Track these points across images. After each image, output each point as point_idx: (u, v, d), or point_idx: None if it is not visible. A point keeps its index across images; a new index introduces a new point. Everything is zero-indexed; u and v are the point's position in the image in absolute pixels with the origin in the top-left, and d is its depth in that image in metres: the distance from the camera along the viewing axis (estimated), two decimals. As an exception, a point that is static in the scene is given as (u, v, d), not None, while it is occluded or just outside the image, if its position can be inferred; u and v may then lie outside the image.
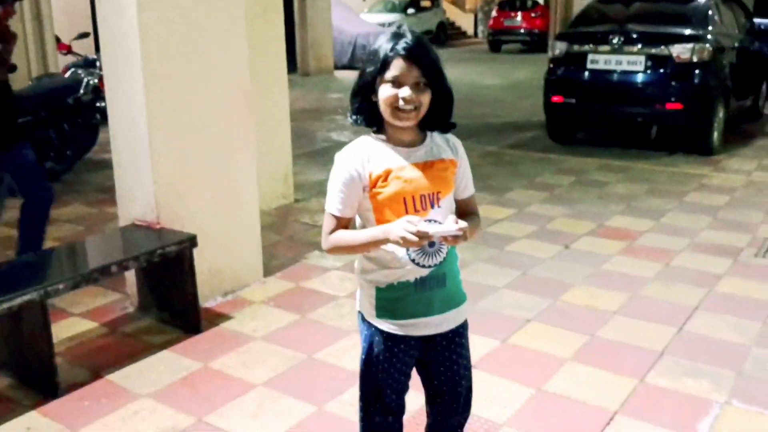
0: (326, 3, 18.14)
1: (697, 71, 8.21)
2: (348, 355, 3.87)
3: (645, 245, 5.60)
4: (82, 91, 7.89)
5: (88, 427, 3.28)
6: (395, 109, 2.09)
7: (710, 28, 8.63)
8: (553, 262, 5.28)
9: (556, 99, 9.04)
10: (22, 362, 3.69)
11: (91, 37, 9.33)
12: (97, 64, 8.19)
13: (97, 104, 7.89)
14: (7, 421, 3.34)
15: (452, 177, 2.24)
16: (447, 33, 28.78)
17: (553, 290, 4.73)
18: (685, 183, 7.42)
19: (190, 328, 4.19)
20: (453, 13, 31.37)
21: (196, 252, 4.18)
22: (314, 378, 3.69)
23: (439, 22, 27.74)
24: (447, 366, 2.35)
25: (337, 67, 18.84)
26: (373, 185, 2.13)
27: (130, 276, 4.49)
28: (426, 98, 2.11)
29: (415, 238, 1.96)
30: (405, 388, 2.39)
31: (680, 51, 8.18)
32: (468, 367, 2.40)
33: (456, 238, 2.01)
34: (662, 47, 8.28)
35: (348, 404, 3.40)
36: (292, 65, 10.66)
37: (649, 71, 8.39)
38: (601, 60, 8.63)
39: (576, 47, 8.87)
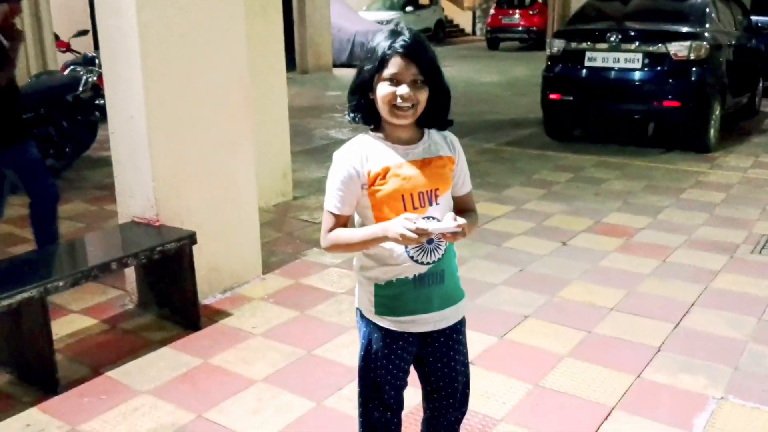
0: (325, 1, 18.14)
1: (694, 69, 8.23)
2: (347, 351, 3.89)
3: (642, 242, 5.63)
4: (81, 88, 7.90)
5: (88, 424, 3.30)
6: (393, 106, 2.10)
7: (707, 25, 8.65)
8: (550, 258, 5.30)
9: (553, 96, 9.06)
10: (22, 359, 3.70)
11: (90, 34, 9.34)
12: (96, 61, 8.19)
13: (96, 102, 7.90)
14: (7, 417, 3.35)
15: (450, 174, 2.25)
16: (445, 30, 28.77)
17: (550, 287, 4.75)
18: (682, 180, 7.45)
19: (190, 324, 4.21)
20: (451, 11, 31.35)
21: (196, 249, 4.20)
22: (313, 374, 3.71)
23: (437, 19, 27.72)
24: (444, 362, 2.36)
25: (335, 65, 18.84)
26: (372, 183, 2.14)
27: (130, 273, 4.51)
28: (423, 96, 2.12)
29: (414, 236, 1.97)
30: (403, 385, 2.40)
31: (677, 48, 8.20)
32: (465, 363, 2.42)
33: (455, 235, 2.03)
34: (660, 45, 8.30)
35: (347, 399, 3.42)
36: (290, 63, 10.68)
37: (646, 69, 8.41)
38: (598, 57, 8.65)
39: (574, 45, 8.88)
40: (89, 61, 8.51)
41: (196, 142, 4.40)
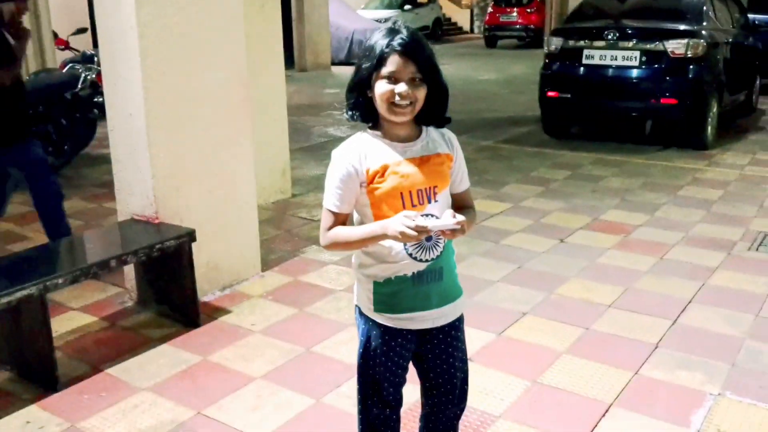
0: (324, -1, 18.17)
1: (691, 66, 8.25)
2: (345, 348, 3.91)
3: (639, 239, 5.64)
4: (79, 86, 7.90)
5: (88, 421, 3.31)
6: (391, 104, 2.10)
7: (705, 23, 8.67)
8: (548, 255, 5.31)
9: (551, 94, 9.07)
10: (21, 356, 3.71)
11: (89, 32, 9.33)
12: (95, 59, 8.19)
13: (95, 99, 7.90)
14: (7, 415, 3.36)
15: (448, 171, 2.25)
16: (443, 29, 28.78)
17: (548, 284, 4.77)
18: (679, 177, 7.46)
19: (189, 321, 4.22)
20: (449, 9, 31.34)
21: (195, 246, 4.21)
22: (312, 371, 3.73)
23: (435, 17, 27.74)
24: (443, 359, 2.37)
25: (334, 63, 18.84)
26: (371, 181, 2.15)
27: (129, 270, 4.52)
28: (421, 93, 2.12)
29: (413, 233, 1.98)
30: (402, 381, 2.41)
31: (675, 46, 8.22)
32: (464, 360, 2.43)
33: (454, 232, 2.04)
34: (657, 43, 8.32)
35: (346, 396, 3.44)
36: (289, 61, 10.69)
37: (643, 66, 8.42)
38: (596, 55, 8.66)
39: (571, 43, 8.90)
40: (88, 59, 8.51)
41: (195, 140, 4.41)
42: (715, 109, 8.70)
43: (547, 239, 5.63)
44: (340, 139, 2.25)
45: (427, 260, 2.21)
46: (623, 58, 8.48)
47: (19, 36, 4.62)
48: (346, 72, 15.33)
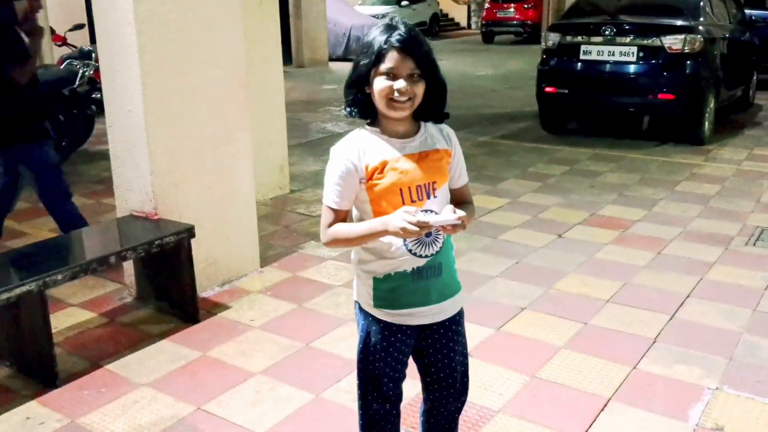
0: (321, -5, 18.15)
1: (688, 62, 8.26)
2: (344, 344, 3.92)
3: (637, 234, 5.66)
4: (77, 82, 7.90)
5: (88, 417, 3.32)
6: (390, 100, 2.11)
7: (702, 19, 8.68)
8: (546, 251, 5.32)
9: (549, 89, 9.08)
10: (21, 352, 3.72)
11: (86, 28, 9.33)
12: (93, 55, 8.19)
13: (93, 95, 7.89)
14: (7, 411, 3.37)
15: (447, 167, 2.26)
16: (440, 24, 28.77)
17: (546, 279, 4.78)
18: (677, 172, 7.48)
19: (189, 317, 4.23)
20: (446, 5, 31.32)
21: (194, 242, 4.22)
22: (312, 366, 3.73)
23: (432, 13, 27.75)
24: (444, 353, 2.38)
25: (331, 59, 18.85)
26: (370, 177, 2.15)
27: (129, 266, 4.52)
28: (420, 89, 2.13)
29: (415, 229, 1.98)
30: (402, 377, 2.42)
31: (672, 42, 8.23)
32: (464, 354, 2.44)
33: (455, 227, 2.04)
34: (654, 38, 8.32)
35: (345, 392, 3.45)
36: (286, 57, 10.66)
37: (641, 62, 8.44)
38: (593, 51, 8.67)
39: (569, 38, 8.90)
40: (86, 55, 8.50)
41: (193, 136, 4.41)
42: (712, 105, 8.72)
43: (545, 234, 5.65)
44: (338, 135, 2.27)
45: (426, 256, 2.21)
46: (620, 53, 8.49)
47: (32, 33, 4.63)
48: (344, 68, 15.35)
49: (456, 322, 2.37)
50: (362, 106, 2.19)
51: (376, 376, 2.36)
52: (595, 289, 4.61)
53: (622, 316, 4.24)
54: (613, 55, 8.54)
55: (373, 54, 2.10)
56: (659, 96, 8.38)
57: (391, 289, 2.25)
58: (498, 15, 24.65)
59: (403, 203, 2.13)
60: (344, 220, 2.22)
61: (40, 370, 3.62)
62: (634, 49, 8.42)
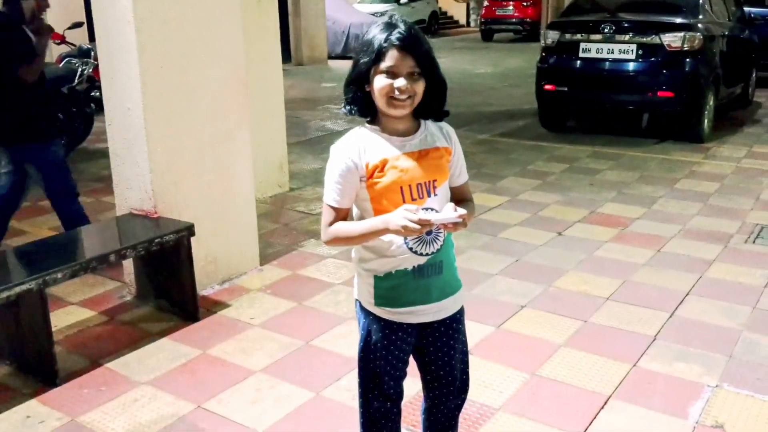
0: (320, -7, 18.14)
1: (687, 59, 8.26)
2: (344, 342, 3.92)
3: (637, 232, 5.66)
4: (76, 80, 7.89)
5: (88, 415, 3.32)
6: (390, 98, 2.11)
7: (701, 16, 8.67)
8: (546, 248, 5.33)
9: (548, 87, 9.07)
10: (21, 351, 3.72)
11: (85, 26, 9.32)
12: (92, 53, 8.18)
13: (92, 94, 7.89)
14: (7, 409, 3.37)
15: (447, 165, 2.26)
16: (439, 22, 28.75)
17: (546, 276, 4.78)
18: (676, 170, 7.48)
19: (188, 315, 4.23)
20: (445, 3, 31.30)
21: (193, 240, 4.21)
22: (312, 364, 3.74)
23: (431, 11, 27.71)
24: (444, 351, 2.38)
25: (330, 57, 18.84)
26: (370, 175, 2.15)
27: (128, 265, 4.52)
28: (420, 87, 2.13)
29: (416, 227, 1.98)
30: (403, 375, 2.42)
31: (671, 39, 8.22)
32: (465, 352, 2.44)
33: (456, 225, 2.04)
34: (653, 36, 8.32)
35: (345, 390, 3.45)
36: (285, 55, 10.67)
37: (640, 60, 8.43)
38: (593, 48, 8.67)
39: (568, 36, 8.90)
40: (84, 53, 8.49)
41: (193, 134, 4.41)
42: (711, 102, 8.72)
43: (544, 232, 5.65)
44: (338, 133, 2.27)
45: (427, 254, 2.21)
46: (620, 51, 8.49)
47: (40, 32, 4.65)
48: (343, 66, 15.33)
49: (456, 320, 2.37)
50: (362, 104, 2.19)
51: (377, 374, 2.36)
52: (594, 287, 4.61)
53: (622, 314, 4.24)
54: (613, 52, 8.53)
55: (374, 52, 2.10)
56: (659, 94, 8.38)
57: (391, 288, 2.24)
58: (497, 13, 24.62)
59: (404, 201, 2.13)
60: (345, 219, 2.21)
61: (40, 369, 3.62)
62: (634, 46, 8.41)
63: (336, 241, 2.22)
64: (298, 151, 8.33)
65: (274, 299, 4.51)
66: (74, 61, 8.35)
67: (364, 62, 2.13)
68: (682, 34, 8.21)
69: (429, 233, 2.17)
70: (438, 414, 2.51)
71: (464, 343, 2.43)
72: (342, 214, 2.20)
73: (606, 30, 8.54)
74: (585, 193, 6.73)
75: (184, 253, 4.18)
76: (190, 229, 4.19)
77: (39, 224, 5.89)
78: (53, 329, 3.68)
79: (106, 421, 3.26)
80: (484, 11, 25.32)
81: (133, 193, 4.38)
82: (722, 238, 5.45)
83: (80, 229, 4.48)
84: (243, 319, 4.24)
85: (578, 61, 8.81)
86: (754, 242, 5.39)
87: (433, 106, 2.22)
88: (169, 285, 4.34)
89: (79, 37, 10.11)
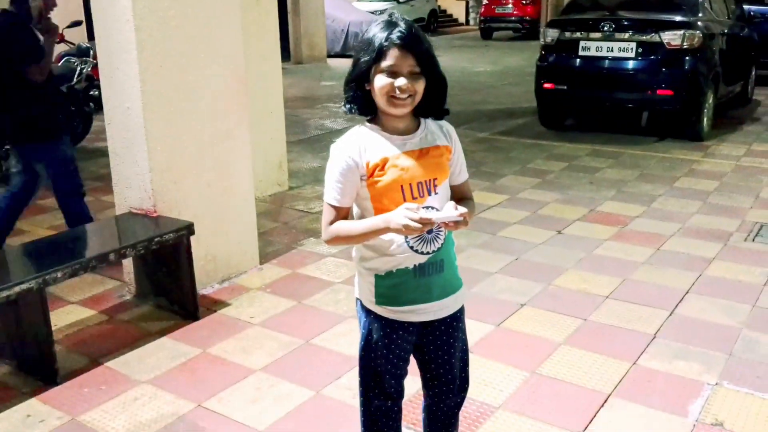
0: (319, -9, 18.12)
1: (687, 58, 8.26)
2: (344, 340, 3.92)
3: (636, 230, 5.66)
4: (75, 79, 7.89)
5: (88, 414, 3.32)
6: (391, 97, 2.10)
7: (700, 14, 8.68)
8: (545, 247, 5.33)
9: (547, 85, 9.07)
10: (21, 350, 3.72)
11: (84, 25, 9.32)
12: (91, 52, 8.18)
13: (91, 93, 7.88)
14: (7, 408, 3.37)
15: (447, 163, 2.26)
16: (438, 20, 28.74)
17: (546, 275, 4.78)
18: (676, 168, 7.48)
19: (188, 314, 4.23)
20: (445, 1, 31.27)
21: (193, 239, 4.22)
22: (312, 363, 3.74)
23: (430, 9, 27.67)
24: (444, 350, 2.38)
25: (329, 55, 18.82)
26: (371, 174, 2.15)
27: (128, 264, 4.52)
28: (420, 86, 2.12)
29: (417, 225, 1.98)
30: (404, 373, 2.42)
31: (671, 37, 8.23)
32: (465, 350, 2.44)
33: (457, 224, 2.04)
34: (653, 34, 8.32)
35: (345, 388, 3.45)
36: (285, 53, 10.67)
37: (639, 58, 8.43)
38: (592, 47, 8.67)
39: (567, 34, 8.90)
40: (83, 52, 8.49)
41: (192, 133, 4.41)
42: (710, 101, 8.72)
43: (544, 231, 5.65)
44: (337, 132, 2.27)
45: (428, 252, 2.21)
46: (619, 49, 8.49)
47: (47, 32, 4.65)
48: (342, 64, 15.31)
49: (457, 318, 2.37)
50: (362, 102, 2.19)
51: (378, 372, 2.36)
52: (594, 285, 4.61)
53: (622, 312, 4.24)
54: (612, 51, 8.53)
55: (374, 51, 2.10)
56: (658, 92, 8.38)
57: (392, 286, 2.24)
58: (496, 11, 24.60)
59: (404, 200, 2.13)
60: (345, 218, 2.21)
61: (40, 368, 3.62)
62: (633, 45, 8.42)
63: (336, 240, 2.22)
64: (298, 149, 8.32)
65: (273, 298, 4.51)
66: (73, 60, 8.36)
67: (364, 61, 2.13)
68: (681, 32, 8.21)
69: (430, 232, 2.17)
70: (438, 412, 2.51)
71: (464, 342, 2.43)
72: (342, 213, 2.20)
73: (606, 28, 8.54)
74: (584, 191, 6.73)
75: (183, 252, 4.18)
76: (189, 228, 4.18)
77: (38, 223, 5.89)
78: (53, 328, 3.68)
79: (107, 420, 3.27)
80: (483, 9, 25.29)
81: (132, 192, 4.38)
82: (722, 237, 5.46)
83: (80, 228, 4.49)
84: (243, 318, 4.24)
85: (578, 60, 8.82)
86: (753, 240, 5.39)
87: (433, 104, 2.22)
88: (168, 284, 4.34)
89: (78, 36, 10.10)
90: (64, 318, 4.25)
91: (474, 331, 3.91)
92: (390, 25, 2.11)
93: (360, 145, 2.16)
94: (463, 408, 2.57)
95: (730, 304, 4.33)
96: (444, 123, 2.31)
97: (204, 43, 4.39)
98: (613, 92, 8.77)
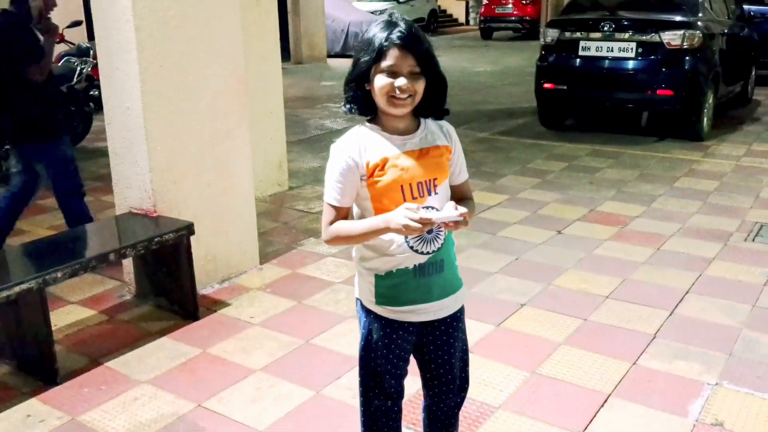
0: (319, -9, 18.12)
1: (687, 58, 8.26)
2: (344, 340, 3.92)
3: (636, 230, 5.66)
4: (75, 79, 7.89)
5: (88, 414, 3.32)
6: (391, 97, 2.10)
7: (700, 14, 8.68)
8: (545, 247, 5.33)
9: (547, 85, 9.07)
10: (21, 350, 3.72)
11: (84, 25, 9.32)
12: (91, 52, 8.18)
13: (91, 93, 7.88)
14: (7, 408, 3.37)
15: (447, 163, 2.26)
16: (438, 20, 28.74)
17: (546, 275, 4.78)
18: (676, 168, 7.48)
19: (188, 314, 4.23)
20: (445, 1, 31.27)
21: (193, 239, 4.21)
22: (312, 363, 3.74)
23: (430, 9, 27.67)
24: (444, 350, 2.38)
25: (329, 55, 18.82)
26: (371, 174, 2.15)
27: (128, 264, 4.52)
28: (421, 86, 2.12)
29: (417, 225, 1.98)
30: (404, 373, 2.42)
31: (671, 37, 8.23)
32: (465, 350, 2.44)
33: (457, 224, 2.03)
34: (653, 34, 8.32)
35: (345, 388, 3.45)
36: (285, 53, 10.67)
37: (640, 58, 8.43)
38: (592, 47, 8.67)
39: (568, 34, 8.90)
40: (83, 52, 8.49)
41: (192, 133, 4.41)
42: (710, 101, 8.72)
43: (544, 231, 5.65)
44: (337, 132, 2.27)
45: (428, 252, 2.21)
46: (619, 49, 8.49)
47: (47, 32, 4.65)
48: (342, 64, 15.31)
49: (457, 318, 2.37)
50: (362, 102, 2.19)
51: (378, 372, 2.36)
52: (594, 285, 4.61)
53: (622, 312, 4.24)
54: (612, 51, 8.53)
55: (374, 51, 2.10)
56: (658, 92, 8.38)
57: (392, 286, 2.24)
58: (496, 11, 24.60)
59: (404, 200, 2.13)
60: (345, 218, 2.21)
61: (40, 368, 3.62)
62: (633, 44, 8.42)
63: (336, 240, 2.22)
64: (298, 149, 8.32)
65: (273, 298, 4.51)
66: (73, 60, 8.36)
67: (364, 61, 2.12)
68: (681, 32, 8.22)
69: (430, 232, 2.17)
70: (438, 412, 2.51)
71: (464, 342, 2.43)
72: (342, 213, 2.20)
73: (606, 28, 8.54)
74: (584, 191, 6.73)
75: (183, 252, 4.18)
76: (189, 228, 4.18)
77: (38, 223, 5.89)
78: (53, 328, 3.68)
79: (107, 420, 3.27)
80: (483, 9, 25.29)
81: (132, 192, 4.38)
82: (722, 237, 5.46)
83: (80, 228, 4.49)
84: (243, 318, 4.24)
85: (578, 60, 8.82)
86: (753, 240, 5.39)
87: (433, 104, 2.22)
88: (168, 284, 4.34)
89: (78, 36, 10.10)
90: (64, 318, 4.25)
91: (474, 331, 3.91)
92: (390, 25, 2.11)
93: (360, 145, 2.16)
94: (463, 408, 2.57)
95: (730, 304, 4.33)
96: (444, 123, 2.31)
97: (204, 43, 4.39)
98: (613, 92, 8.77)
